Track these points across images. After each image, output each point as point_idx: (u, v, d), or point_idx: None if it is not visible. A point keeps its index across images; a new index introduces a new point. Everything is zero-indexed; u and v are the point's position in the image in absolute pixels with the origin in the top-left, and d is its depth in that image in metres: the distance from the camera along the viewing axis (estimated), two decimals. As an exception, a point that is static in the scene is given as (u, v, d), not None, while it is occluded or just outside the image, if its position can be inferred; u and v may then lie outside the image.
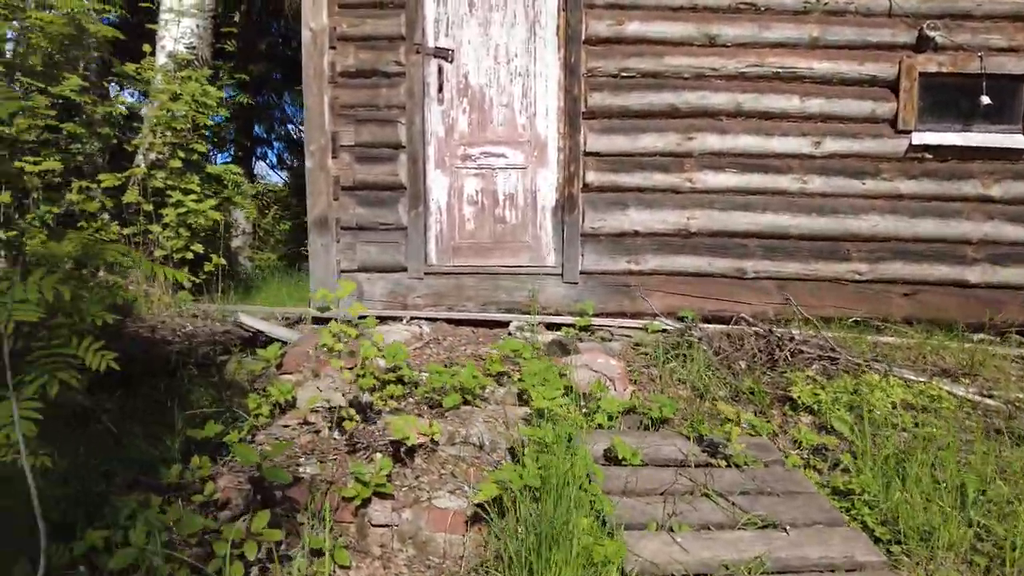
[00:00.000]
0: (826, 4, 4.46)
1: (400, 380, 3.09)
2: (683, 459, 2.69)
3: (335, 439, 2.74)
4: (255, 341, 3.76)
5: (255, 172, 12.26)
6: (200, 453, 2.57)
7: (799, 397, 3.28)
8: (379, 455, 2.60)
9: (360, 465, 2.26)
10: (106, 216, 5.17)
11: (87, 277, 2.55)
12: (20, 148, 4.22)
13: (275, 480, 2.13)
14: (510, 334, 4.35)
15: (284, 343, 3.57)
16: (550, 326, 4.45)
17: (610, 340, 4.25)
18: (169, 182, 4.78)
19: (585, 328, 4.28)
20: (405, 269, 4.67)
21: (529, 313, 4.53)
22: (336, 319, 4.71)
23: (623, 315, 4.54)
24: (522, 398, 3.16)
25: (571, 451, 2.33)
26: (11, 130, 4.01)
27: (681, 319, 4.39)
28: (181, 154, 4.92)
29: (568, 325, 4.34)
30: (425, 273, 4.66)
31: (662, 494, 2.47)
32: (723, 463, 2.71)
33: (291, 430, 2.80)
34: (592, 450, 2.64)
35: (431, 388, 3.04)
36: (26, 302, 1.59)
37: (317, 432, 2.78)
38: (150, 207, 4.78)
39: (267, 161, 13.85)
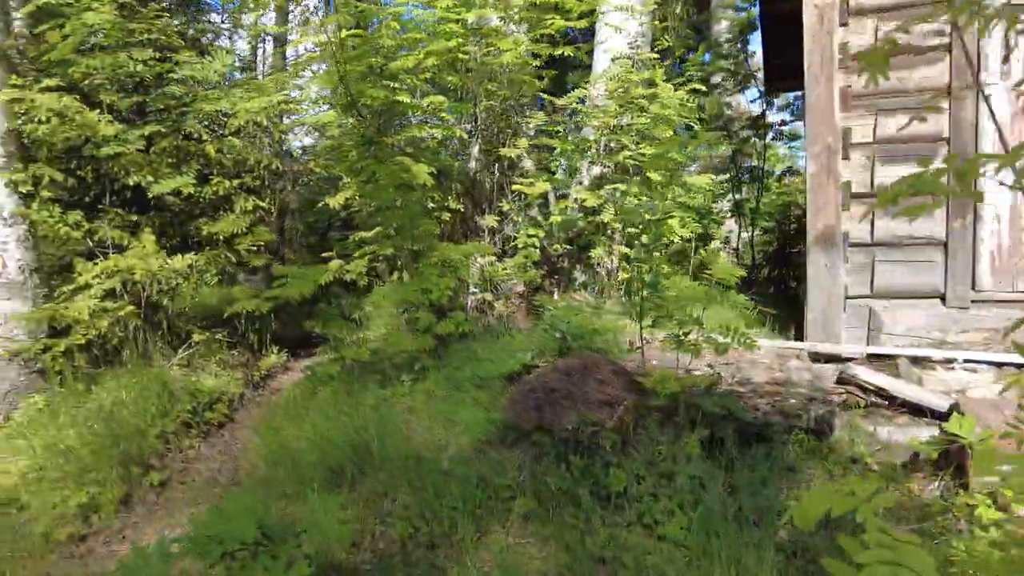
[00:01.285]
0: None
1: None
2: None
3: None
4: (866, 400, 3.02)
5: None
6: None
7: None
8: None
9: None
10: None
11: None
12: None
13: None
14: None
15: (927, 411, 2.75)
16: None
17: None
18: (642, 197, 4.36)
19: None
20: (942, 296, 3.64)
21: None
22: (841, 356, 3.86)
23: None
24: None
25: None
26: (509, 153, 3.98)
27: None
28: (654, 165, 4.51)
29: None
30: (972, 301, 3.58)
31: None
32: None
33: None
34: None
35: None
36: None
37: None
38: (619, 225, 4.43)
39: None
